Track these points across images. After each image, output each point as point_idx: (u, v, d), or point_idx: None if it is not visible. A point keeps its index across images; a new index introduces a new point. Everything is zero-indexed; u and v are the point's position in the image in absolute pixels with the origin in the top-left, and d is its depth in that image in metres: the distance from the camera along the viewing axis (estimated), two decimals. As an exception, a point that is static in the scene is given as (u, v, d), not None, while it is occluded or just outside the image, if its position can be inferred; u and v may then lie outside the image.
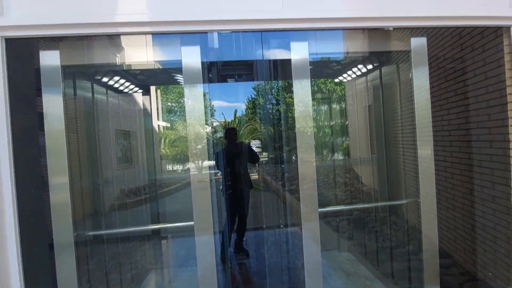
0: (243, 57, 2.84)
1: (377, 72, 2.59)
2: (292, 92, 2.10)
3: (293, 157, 2.49)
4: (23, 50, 1.84)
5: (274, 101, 4.34)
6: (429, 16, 1.83)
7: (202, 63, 1.98)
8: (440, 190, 2.71)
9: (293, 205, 2.92)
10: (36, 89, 1.85)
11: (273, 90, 4.10)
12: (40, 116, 1.84)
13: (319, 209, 1.89)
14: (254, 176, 4.02)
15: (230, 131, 3.51)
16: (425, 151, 2.14)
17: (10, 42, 1.70)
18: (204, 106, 2.00)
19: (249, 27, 1.73)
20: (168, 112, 4.10)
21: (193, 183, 1.97)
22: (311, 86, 2.02)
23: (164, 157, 4.03)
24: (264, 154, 4.42)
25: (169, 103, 4.10)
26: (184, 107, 1.91)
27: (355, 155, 3.69)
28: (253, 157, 3.63)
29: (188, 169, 2.05)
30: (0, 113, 1.64)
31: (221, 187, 3.43)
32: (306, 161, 2.08)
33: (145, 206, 3.33)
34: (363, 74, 2.70)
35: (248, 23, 1.71)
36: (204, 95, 2.02)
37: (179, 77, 2.33)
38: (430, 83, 2.15)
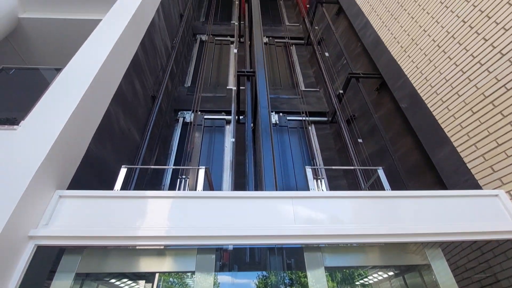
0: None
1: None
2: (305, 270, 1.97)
3: None
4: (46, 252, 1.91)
5: (287, 281, 3.91)
6: (440, 233, 1.89)
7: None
8: None
9: None
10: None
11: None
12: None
13: None
14: None
15: None
16: None
17: (40, 249, 1.80)
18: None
19: (262, 242, 1.81)
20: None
21: None
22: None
23: None
24: None
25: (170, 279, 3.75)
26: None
27: None
28: None
29: None
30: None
31: None
32: None
33: None
34: (386, 280, 2.51)
35: (261, 239, 1.80)
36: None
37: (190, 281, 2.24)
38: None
